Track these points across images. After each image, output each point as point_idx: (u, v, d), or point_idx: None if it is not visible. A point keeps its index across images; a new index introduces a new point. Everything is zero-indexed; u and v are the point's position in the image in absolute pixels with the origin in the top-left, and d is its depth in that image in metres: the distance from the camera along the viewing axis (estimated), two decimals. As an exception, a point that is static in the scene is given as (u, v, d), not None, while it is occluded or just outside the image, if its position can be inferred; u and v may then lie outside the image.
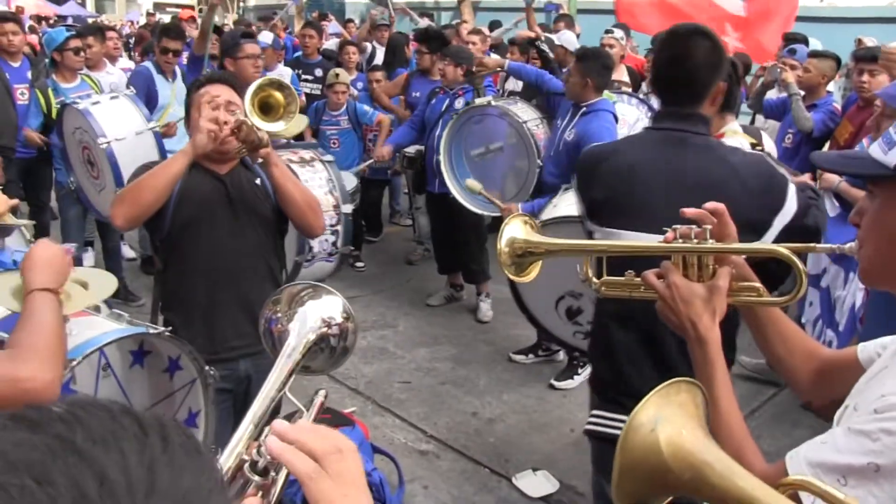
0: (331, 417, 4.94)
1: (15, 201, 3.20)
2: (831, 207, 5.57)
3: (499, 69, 7.61)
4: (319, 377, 6.47)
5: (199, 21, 17.72)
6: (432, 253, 8.89)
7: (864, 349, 1.96)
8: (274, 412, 1.80)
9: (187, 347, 3.43)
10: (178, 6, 34.35)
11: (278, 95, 3.69)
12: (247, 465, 1.51)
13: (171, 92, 7.66)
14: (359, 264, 9.23)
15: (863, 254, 1.75)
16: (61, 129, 6.63)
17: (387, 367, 6.87)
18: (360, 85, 10.28)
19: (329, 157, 6.24)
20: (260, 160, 3.74)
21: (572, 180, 3.60)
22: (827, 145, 7.14)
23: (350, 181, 7.95)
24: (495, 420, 6.10)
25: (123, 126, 6.07)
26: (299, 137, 7.92)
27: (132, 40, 15.84)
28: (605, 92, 6.52)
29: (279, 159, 3.75)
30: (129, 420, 0.80)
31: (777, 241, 3.14)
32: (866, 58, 7.21)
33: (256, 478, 1.50)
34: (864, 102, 6.74)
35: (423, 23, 13.50)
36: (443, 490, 5.22)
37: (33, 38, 12.89)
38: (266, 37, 10.23)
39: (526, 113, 7.01)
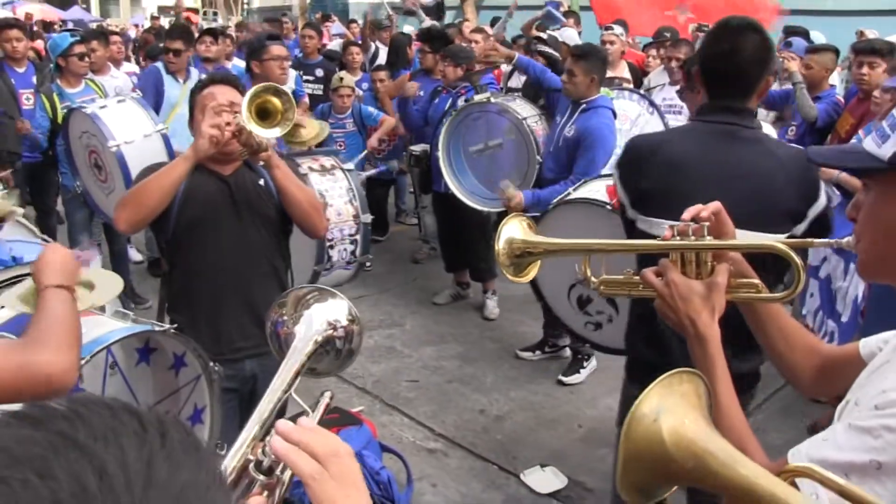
0: (339, 417, 4.96)
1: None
2: (833, 198, 5.59)
3: (509, 60, 7.58)
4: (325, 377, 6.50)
5: (202, 24, 17.77)
6: (438, 251, 8.91)
7: (866, 344, 1.95)
8: (279, 413, 1.81)
9: (192, 344, 3.45)
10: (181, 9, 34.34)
11: (276, 101, 3.69)
12: (252, 464, 1.54)
13: (181, 92, 7.64)
14: (367, 266, 9.22)
15: (860, 248, 1.74)
16: (67, 134, 6.66)
17: (394, 366, 6.88)
18: (364, 85, 10.30)
19: (349, 166, 6.22)
20: (261, 163, 3.76)
21: (614, 171, 3.58)
22: (829, 137, 7.17)
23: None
24: (503, 417, 6.11)
25: (132, 129, 6.09)
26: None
27: (137, 44, 15.84)
28: (604, 89, 6.53)
29: (280, 161, 3.76)
30: (128, 417, 0.82)
31: (808, 231, 3.26)
32: (866, 50, 7.29)
33: (262, 477, 1.52)
34: (865, 94, 6.82)
35: (427, 21, 13.48)
36: (451, 488, 5.23)
37: (38, 44, 12.91)
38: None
39: (525, 109, 7.01)
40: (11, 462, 0.74)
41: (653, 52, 10.55)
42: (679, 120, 6.94)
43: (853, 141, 6.44)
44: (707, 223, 1.95)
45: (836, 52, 8.12)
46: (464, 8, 19.53)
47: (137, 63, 9.99)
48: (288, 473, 1.51)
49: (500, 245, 2.23)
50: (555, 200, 5.33)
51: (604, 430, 5.36)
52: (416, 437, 5.81)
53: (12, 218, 3.85)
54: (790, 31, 9.94)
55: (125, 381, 3.32)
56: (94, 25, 24.53)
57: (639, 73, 9.80)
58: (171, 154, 6.07)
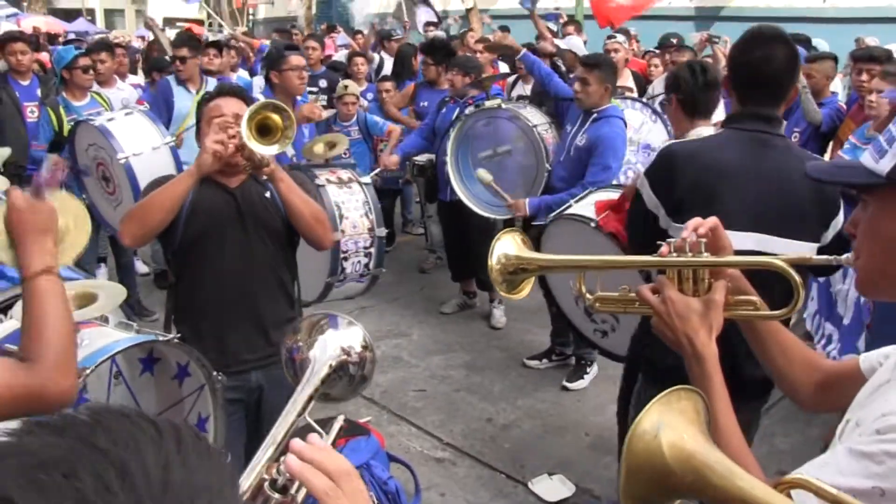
0: (346, 427, 4.97)
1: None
2: None
3: (516, 53, 7.57)
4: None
5: (207, 36, 17.80)
6: (445, 261, 8.92)
7: (867, 359, 1.93)
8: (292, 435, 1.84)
9: (195, 354, 3.46)
10: (186, 20, 34.45)
11: (276, 118, 3.70)
12: (267, 483, 1.57)
13: (193, 103, 7.66)
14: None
15: (859, 264, 1.72)
16: (73, 146, 6.68)
17: (401, 376, 6.90)
18: (369, 96, 10.33)
19: (367, 179, 6.23)
20: (265, 177, 3.77)
21: (642, 180, 3.59)
22: (831, 144, 7.24)
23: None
24: (510, 426, 6.12)
25: (140, 141, 6.13)
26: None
27: (143, 55, 15.88)
28: (613, 99, 6.55)
29: (284, 174, 3.77)
30: (145, 423, 0.86)
31: (831, 244, 3.34)
32: (864, 57, 7.42)
33: (276, 495, 1.56)
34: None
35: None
36: (459, 497, 5.24)
37: (43, 56, 12.96)
38: None
39: (536, 117, 7.01)
40: (38, 465, 0.78)
41: (656, 60, 10.57)
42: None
43: (845, 147, 6.54)
44: (704, 239, 1.93)
45: (836, 59, 8.25)
46: (469, 18, 19.58)
47: (147, 75, 10.00)
48: (302, 493, 1.55)
49: (494, 261, 2.20)
50: (552, 215, 5.37)
51: (611, 438, 5.37)
52: (424, 447, 5.82)
53: None
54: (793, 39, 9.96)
55: (129, 391, 3.34)
56: (97, 37, 24.60)
57: (643, 81, 9.83)
58: (180, 166, 6.11)
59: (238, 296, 3.86)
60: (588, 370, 6.70)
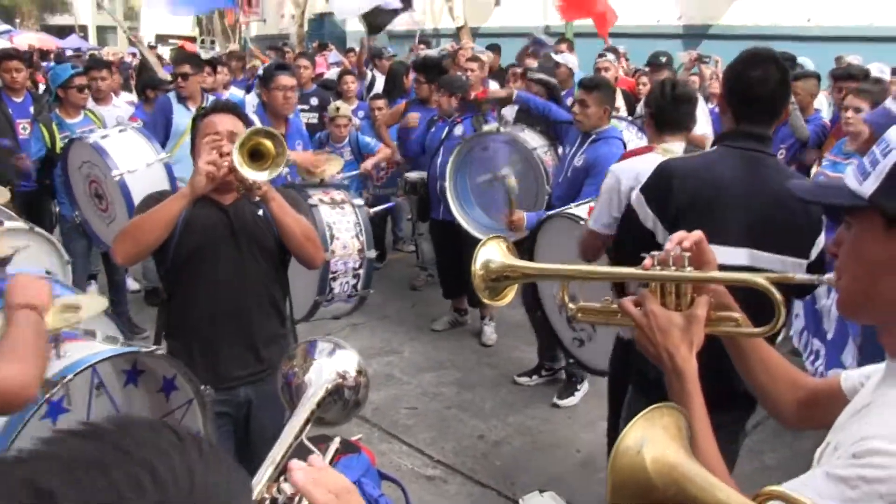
0: (338, 446, 4.99)
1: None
2: None
3: (509, 98, 7.61)
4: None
5: (199, 53, 17.84)
6: (436, 278, 8.95)
7: (848, 378, 1.95)
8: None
9: (182, 367, 3.47)
10: (179, 37, 34.54)
11: (268, 144, 3.71)
12: (268, 502, 1.62)
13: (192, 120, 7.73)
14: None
15: (841, 285, 1.72)
16: (66, 164, 6.71)
17: (393, 393, 6.91)
18: (360, 114, 10.37)
19: (359, 201, 6.29)
20: (257, 198, 3.80)
21: (637, 197, 3.62)
22: (816, 160, 7.35)
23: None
24: (501, 443, 6.14)
25: (134, 158, 6.16)
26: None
27: (136, 71, 15.93)
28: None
29: (276, 194, 3.78)
30: (167, 431, 0.92)
31: (813, 262, 3.43)
32: (843, 76, 7.61)
33: None
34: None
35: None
36: (450, 514, 5.26)
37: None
38: None
39: (534, 140, 7.04)
40: (74, 465, 0.83)
41: (644, 78, 10.65)
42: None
43: (823, 163, 6.64)
44: (688, 253, 1.94)
45: (819, 77, 8.44)
46: (460, 36, 19.68)
47: (140, 93, 10.03)
48: None
49: (477, 267, 2.19)
50: (549, 212, 5.43)
51: (601, 455, 5.39)
52: (415, 465, 5.84)
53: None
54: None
55: (112, 402, 3.35)
56: (91, 54, 24.60)
57: (632, 100, 9.89)
58: (174, 182, 6.14)
59: (230, 313, 3.88)
60: (579, 387, 6.74)
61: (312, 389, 2.19)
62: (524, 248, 6.30)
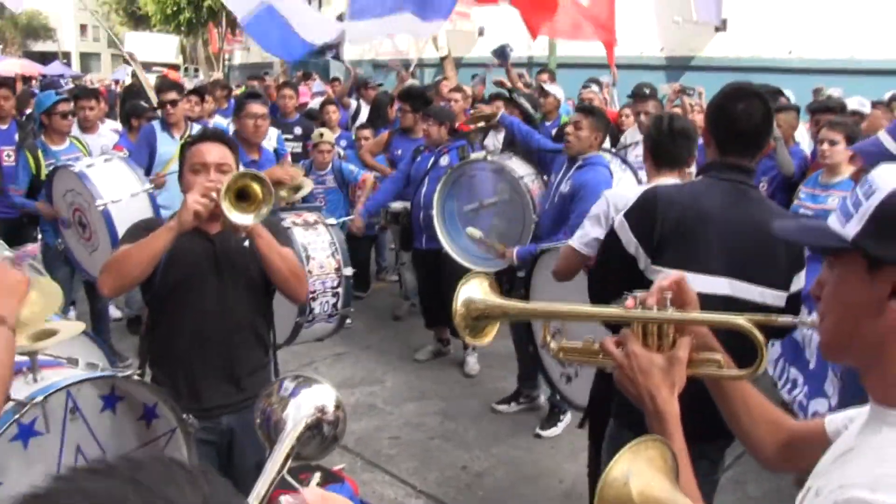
0: (320, 475, 4.97)
1: None
2: None
3: (493, 118, 7.61)
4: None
5: (183, 81, 17.89)
6: (418, 308, 8.96)
7: (832, 421, 1.94)
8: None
9: (163, 395, 3.44)
10: (163, 65, 34.58)
11: (256, 187, 3.70)
12: None
13: (177, 148, 7.71)
14: (346, 321, 9.26)
15: (823, 327, 1.69)
16: (51, 191, 6.70)
17: (375, 423, 6.89)
18: (342, 143, 10.41)
19: (332, 221, 6.30)
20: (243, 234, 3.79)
21: (620, 222, 3.63)
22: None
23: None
24: (484, 473, 6.13)
25: (119, 188, 6.18)
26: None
27: (121, 98, 15.94)
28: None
29: (263, 230, 3.76)
30: (177, 467, 0.94)
31: (791, 297, 3.48)
32: (820, 109, 7.74)
33: None
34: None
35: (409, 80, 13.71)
36: (433, 544, 5.25)
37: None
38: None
39: (522, 168, 7.03)
40: (95, 500, 0.85)
41: (626, 110, 10.71)
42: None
43: (801, 196, 6.71)
44: (669, 294, 1.93)
45: (798, 110, 8.60)
46: (444, 66, 19.77)
47: (125, 121, 10.03)
48: None
49: (458, 305, 2.19)
50: (543, 245, 5.45)
51: (584, 485, 5.38)
52: (398, 495, 5.82)
53: None
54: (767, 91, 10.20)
55: (87, 427, 3.33)
56: (75, 83, 24.61)
57: (615, 131, 9.93)
58: (157, 213, 6.15)
59: (213, 343, 3.86)
60: (562, 417, 6.75)
61: (291, 425, 2.20)
62: (520, 283, 6.35)
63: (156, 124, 8.13)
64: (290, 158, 9.68)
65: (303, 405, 2.28)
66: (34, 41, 69.70)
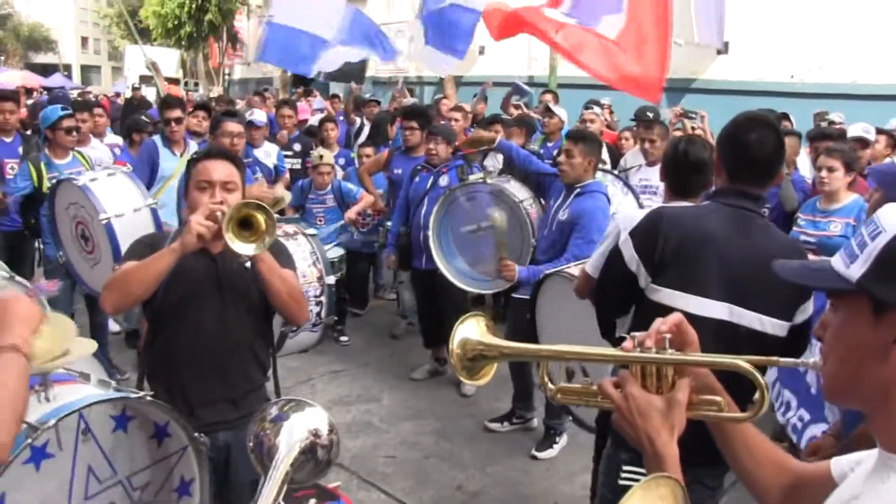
0: (316, 492, 4.97)
1: None
2: None
3: (491, 143, 7.60)
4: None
5: (183, 95, 17.94)
6: (416, 327, 8.98)
7: (838, 463, 1.89)
8: None
9: (174, 413, 3.44)
10: (163, 79, 34.62)
11: (259, 217, 3.70)
12: None
13: (178, 164, 7.73)
14: (343, 338, 9.30)
15: (826, 369, 1.65)
16: (53, 203, 6.72)
17: (371, 442, 6.89)
18: (341, 161, 10.46)
19: (312, 231, 6.37)
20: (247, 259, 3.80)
21: (625, 239, 3.63)
22: None
23: (333, 253, 8.05)
24: (480, 493, 6.13)
25: (122, 202, 6.20)
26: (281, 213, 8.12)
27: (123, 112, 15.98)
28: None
29: (266, 254, 3.75)
30: None
31: (797, 328, 3.49)
32: (818, 136, 7.78)
33: None
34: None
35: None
36: (428, 564, 5.24)
37: (23, 112, 13.01)
38: (260, 115, 10.39)
39: (520, 192, 7.04)
40: None
41: (626, 133, 10.74)
42: (654, 201, 7.01)
43: (799, 223, 6.76)
44: (668, 335, 1.89)
45: (800, 136, 8.61)
46: (444, 84, 19.80)
47: (126, 136, 10.03)
48: None
49: (455, 345, 2.15)
50: (547, 271, 5.47)
51: (580, 508, 5.42)
52: (394, 513, 5.83)
53: None
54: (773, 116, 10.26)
55: (99, 448, 3.33)
56: (75, 93, 24.65)
57: (616, 154, 9.95)
58: (160, 227, 6.17)
59: (211, 361, 3.88)
60: (557, 439, 6.75)
61: (285, 450, 2.20)
62: (516, 302, 6.37)
63: (157, 140, 8.15)
64: (287, 175, 9.78)
65: (295, 429, 2.28)
66: (35, 53, 69.82)
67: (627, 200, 7.37)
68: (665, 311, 3.29)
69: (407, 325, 9.66)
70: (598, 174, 7.60)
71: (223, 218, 3.60)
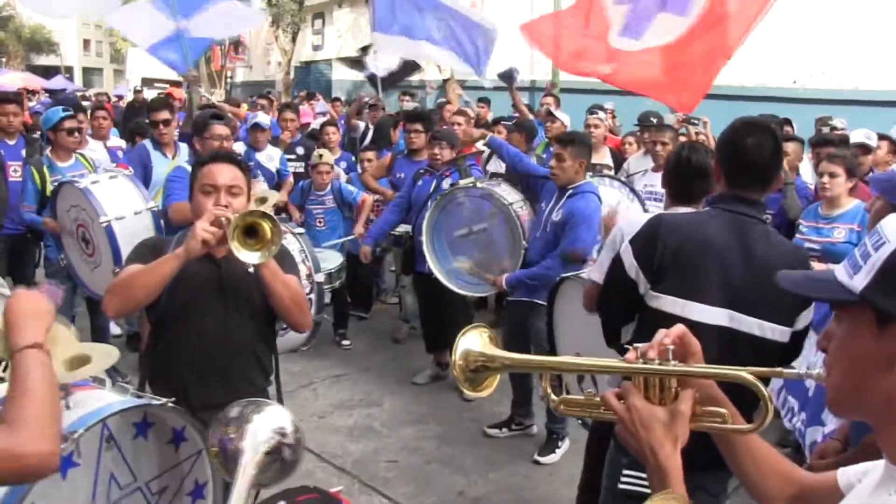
0: (318, 497, 4.95)
1: None
2: None
3: (482, 141, 7.60)
4: (305, 455, 6.49)
5: (183, 97, 17.92)
6: (418, 331, 8.97)
7: (844, 474, 1.87)
8: None
9: (190, 418, 3.45)
10: (165, 82, 34.66)
11: (265, 226, 3.67)
12: None
13: (168, 168, 7.72)
14: (345, 342, 9.30)
15: (830, 381, 1.63)
16: (55, 207, 6.71)
17: (373, 446, 6.87)
18: (343, 164, 10.45)
19: (300, 230, 6.43)
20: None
21: (625, 246, 3.62)
22: None
23: (335, 259, 8.05)
24: (482, 499, 6.11)
25: (123, 205, 6.21)
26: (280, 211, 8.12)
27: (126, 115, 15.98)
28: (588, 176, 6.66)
29: (271, 261, 3.76)
30: None
31: (798, 333, 3.48)
32: (820, 142, 7.78)
33: None
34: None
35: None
36: (430, 570, 5.22)
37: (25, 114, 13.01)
38: (264, 118, 10.38)
39: (511, 195, 7.08)
40: None
41: (630, 137, 10.72)
42: (659, 207, 7.01)
43: (802, 230, 6.75)
44: (671, 346, 1.88)
45: (803, 142, 8.64)
46: (447, 88, 19.81)
47: (129, 139, 10.02)
48: None
49: (457, 357, 2.14)
50: (564, 274, 5.57)
51: (582, 514, 5.38)
52: (395, 519, 5.80)
53: None
54: (775, 121, 10.25)
55: (122, 456, 3.33)
56: (78, 94, 24.64)
57: (619, 158, 9.95)
58: (160, 230, 6.16)
59: (213, 365, 3.89)
60: (560, 444, 6.73)
61: (251, 453, 2.17)
62: (521, 310, 6.38)
63: (147, 144, 8.11)
64: (291, 179, 9.77)
65: (259, 430, 2.25)
66: (37, 55, 69.87)
67: (634, 206, 7.38)
68: (665, 317, 3.27)
69: (409, 330, 9.64)
70: (605, 180, 7.63)
71: (228, 224, 3.59)
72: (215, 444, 2.28)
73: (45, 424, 2.05)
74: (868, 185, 7.26)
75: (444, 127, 9.59)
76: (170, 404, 3.35)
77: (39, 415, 2.05)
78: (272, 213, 3.76)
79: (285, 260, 4.03)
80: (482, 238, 7.07)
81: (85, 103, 15.65)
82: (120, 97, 28.59)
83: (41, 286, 2.45)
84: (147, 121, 9.06)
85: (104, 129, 10.51)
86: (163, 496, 3.45)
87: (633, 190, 7.60)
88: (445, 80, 20.91)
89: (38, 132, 11.27)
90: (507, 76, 12.70)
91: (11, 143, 8.30)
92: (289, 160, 10.30)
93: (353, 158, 11.10)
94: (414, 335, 9.37)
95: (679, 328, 1.92)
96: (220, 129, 6.90)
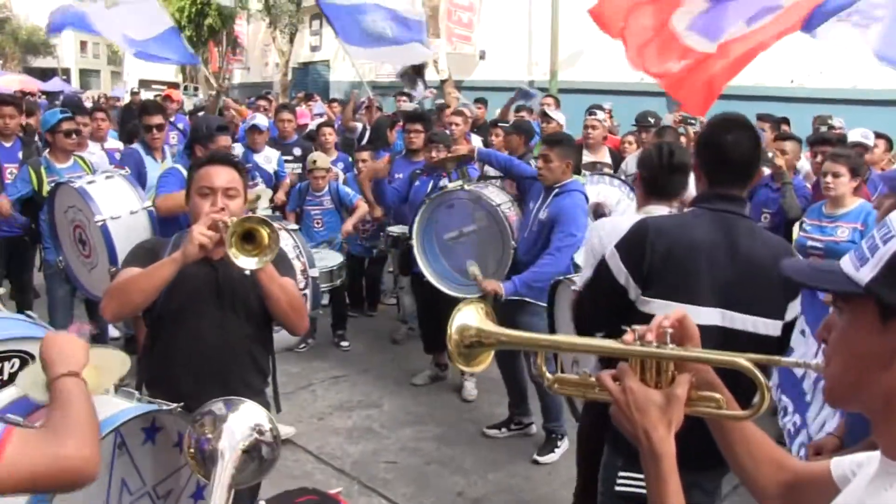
0: (318, 498, 4.94)
1: None
2: None
3: (471, 156, 7.59)
4: (304, 457, 6.49)
5: (181, 99, 17.90)
6: (416, 332, 8.96)
7: (839, 465, 1.85)
8: None
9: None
10: (162, 83, 34.64)
11: (263, 232, 3.63)
12: None
13: (158, 172, 7.70)
14: (343, 344, 9.30)
15: (829, 372, 1.61)
16: (52, 207, 6.70)
17: (372, 447, 6.86)
18: (340, 165, 10.45)
19: (293, 226, 6.47)
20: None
21: (612, 252, 3.60)
22: (797, 226, 7.42)
23: (335, 258, 8.04)
24: (481, 500, 6.10)
25: (119, 205, 6.19)
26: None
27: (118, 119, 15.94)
28: (586, 173, 6.67)
29: (267, 265, 3.79)
30: None
31: (788, 325, 3.49)
32: (818, 141, 7.81)
33: None
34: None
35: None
36: (430, 571, 5.22)
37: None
38: (262, 120, 10.37)
39: (498, 196, 7.08)
40: None
41: (629, 137, 10.73)
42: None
43: (805, 227, 6.74)
44: (670, 329, 1.87)
45: (801, 141, 8.65)
46: (444, 88, 19.81)
47: (128, 141, 10.00)
48: None
49: (453, 331, 2.11)
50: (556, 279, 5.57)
51: (582, 514, 5.37)
52: (395, 520, 5.80)
53: None
54: (763, 118, 10.26)
55: (132, 462, 3.32)
56: (77, 97, 24.61)
57: (618, 158, 9.96)
58: (157, 231, 6.15)
59: (210, 368, 3.87)
60: (559, 444, 6.73)
61: (229, 452, 2.16)
62: (511, 308, 6.37)
63: (139, 147, 8.05)
64: (288, 180, 9.77)
65: (235, 429, 2.24)
66: (34, 57, 69.84)
67: (633, 206, 7.37)
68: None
69: (407, 331, 9.63)
70: (605, 179, 7.63)
71: (225, 228, 3.58)
72: (192, 444, 2.27)
73: (87, 433, 2.15)
74: (867, 184, 7.28)
75: (440, 129, 9.58)
76: (179, 409, 3.34)
77: (81, 423, 2.17)
78: (269, 217, 3.74)
79: (281, 262, 4.02)
80: (472, 240, 7.06)
81: (88, 104, 15.62)
82: (117, 99, 28.56)
83: (70, 326, 2.54)
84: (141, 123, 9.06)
85: (103, 131, 10.50)
86: (168, 499, 3.45)
87: (633, 189, 7.60)
88: (443, 81, 20.94)
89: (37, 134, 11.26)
90: (524, 95, 12.74)
91: (8, 145, 8.29)
92: (286, 162, 10.29)
93: (350, 159, 11.08)
94: (412, 336, 9.36)
95: (679, 311, 1.94)
96: (225, 140, 6.91)
